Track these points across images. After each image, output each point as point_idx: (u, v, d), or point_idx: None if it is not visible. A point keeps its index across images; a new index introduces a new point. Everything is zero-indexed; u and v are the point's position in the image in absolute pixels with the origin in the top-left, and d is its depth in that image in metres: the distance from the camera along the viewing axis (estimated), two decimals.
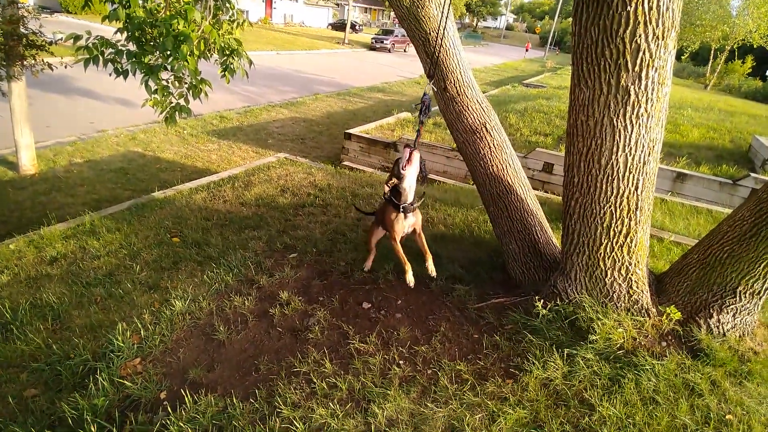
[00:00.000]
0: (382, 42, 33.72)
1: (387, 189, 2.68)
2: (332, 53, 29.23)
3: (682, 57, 30.42)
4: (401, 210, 2.69)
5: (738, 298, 2.60)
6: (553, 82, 20.59)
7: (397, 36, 33.93)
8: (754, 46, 26.10)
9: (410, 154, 2.55)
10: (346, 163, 8.56)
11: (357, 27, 45.55)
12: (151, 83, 3.98)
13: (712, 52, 28.76)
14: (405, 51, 34.18)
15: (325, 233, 4.33)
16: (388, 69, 24.35)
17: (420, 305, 3.14)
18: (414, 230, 2.87)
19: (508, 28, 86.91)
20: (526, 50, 51.82)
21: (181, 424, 2.17)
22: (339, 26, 42.77)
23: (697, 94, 19.96)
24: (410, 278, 2.83)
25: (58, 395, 2.51)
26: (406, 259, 2.82)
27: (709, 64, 29.78)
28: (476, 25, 75.40)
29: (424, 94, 2.75)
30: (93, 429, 2.19)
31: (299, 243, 4.11)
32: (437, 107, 3.44)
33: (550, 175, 7.42)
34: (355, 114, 13.71)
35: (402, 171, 2.57)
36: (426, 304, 3.15)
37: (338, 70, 21.85)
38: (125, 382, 2.50)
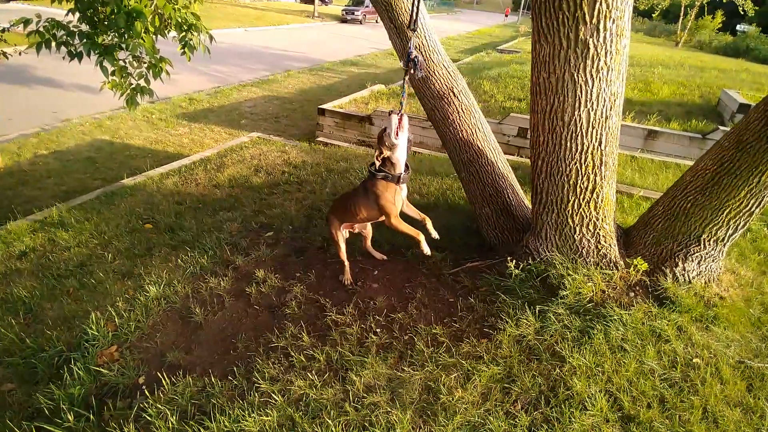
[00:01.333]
0: (353, 13, 32.89)
1: (378, 162, 2.48)
2: (302, 27, 28.44)
3: (653, 15, 30.43)
4: (399, 181, 2.49)
5: (702, 246, 2.67)
6: (527, 47, 20.43)
7: (368, 7, 33.06)
8: (724, 1, 26.20)
9: (400, 119, 2.38)
10: (321, 139, 8.44)
11: None
12: (107, 64, 3.82)
13: (683, 9, 28.79)
14: (377, 22, 33.34)
15: (301, 210, 4.30)
16: (360, 41, 23.85)
17: (396, 274, 3.15)
18: (404, 203, 2.71)
19: None
20: (506, 15, 51.20)
21: (159, 406, 2.18)
22: None
23: (668, 51, 20.05)
24: (426, 248, 2.63)
25: (35, 387, 2.50)
26: (414, 229, 2.63)
27: (680, 21, 29.83)
28: None
29: (410, 51, 2.50)
30: (70, 417, 2.19)
31: (275, 221, 4.08)
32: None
33: (524, 140, 7.43)
34: (328, 89, 13.46)
35: (395, 140, 2.39)
36: (402, 272, 3.17)
37: (309, 45, 21.33)
38: (102, 370, 2.49)
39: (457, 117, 3.25)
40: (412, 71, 2.53)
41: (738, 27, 33.49)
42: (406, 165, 2.54)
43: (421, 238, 2.62)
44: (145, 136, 8.72)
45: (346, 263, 3.03)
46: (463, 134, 3.26)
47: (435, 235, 2.69)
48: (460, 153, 3.31)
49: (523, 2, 48.22)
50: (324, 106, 8.76)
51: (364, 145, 7.81)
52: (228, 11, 28.39)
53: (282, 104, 11.70)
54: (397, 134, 2.39)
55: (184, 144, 8.47)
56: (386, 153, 2.46)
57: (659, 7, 27.96)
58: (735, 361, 2.37)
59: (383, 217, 2.64)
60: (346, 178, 5.06)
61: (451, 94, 3.23)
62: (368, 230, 3.09)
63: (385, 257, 3.31)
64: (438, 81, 3.20)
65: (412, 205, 2.80)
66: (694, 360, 2.35)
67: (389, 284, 3.05)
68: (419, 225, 2.70)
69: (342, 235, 2.95)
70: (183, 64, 4.27)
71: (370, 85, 10.78)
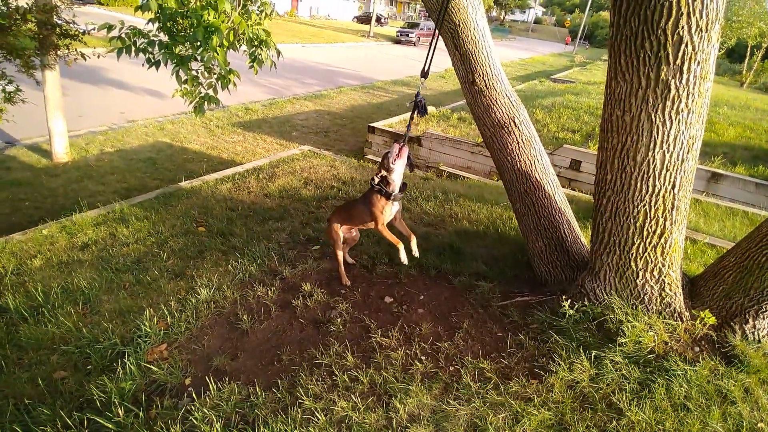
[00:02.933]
0: (408, 35, 33.48)
1: (377, 179, 2.87)
2: (357, 46, 29.18)
3: (718, 53, 29.29)
4: (391, 198, 2.86)
5: None
6: (582, 78, 20.13)
7: (422, 29, 33.65)
8: None
9: (400, 149, 2.78)
10: (369, 156, 8.54)
11: (382, 20, 45.36)
12: (181, 73, 4.03)
13: (749, 49, 27.60)
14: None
15: None
16: (413, 63, 24.18)
17: (442, 301, 3.10)
18: (395, 217, 3.05)
19: (537, 21, 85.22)
20: (566, 43, 50.79)
21: (205, 411, 2.21)
22: (364, 19, 42.61)
23: (732, 91, 19.20)
24: (403, 256, 2.94)
25: (87, 378, 2.58)
26: (396, 238, 2.96)
27: (746, 62, 28.58)
28: (504, 18, 74.07)
29: (417, 94, 2.93)
30: (120, 411, 2.25)
31: (322, 235, 4.12)
32: (465, 102, 3.38)
33: (577, 173, 7.25)
34: (379, 107, 13.67)
35: (392, 164, 2.78)
36: (449, 300, 3.12)
37: (363, 63, 21.82)
38: (152, 366, 2.55)
39: (517, 147, 3.21)
40: (414, 114, 3.00)
41: None
42: (404, 185, 2.93)
43: (401, 247, 2.94)
44: (202, 141, 9.10)
45: (341, 261, 3.30)
46: (521, 165, 3.21)
47: (416, 252, 3.01)
48: (517, 183, 3.26)
49: (580, 32, 47.69)
50: (374, 124, 8.88)
51: (412, 165, 7.84)
52: (288, 27, 29.57)
53: (332, 119, 11.97)
54: (394, 161, 2.77)
55: (238, 152, 8.77)
56: (383, 173, 2.83)
57: (724, 45, 26.91)
58: None
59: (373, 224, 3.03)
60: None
61: (512, 123, 3.20)
62: (354, 236, 3.35)
63: (354, 262, 3.59)
64: (500, 110, 3.18)
65: (405, 225, 3.15)
66: (759, 425, 2.17)
67: (435, 311, 3.00)
68: (404, 240, 3.03)
69: (340, 234, 3.22)
70: (242, 74, 4.44)
71: None
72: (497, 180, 6.48)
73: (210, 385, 2.37)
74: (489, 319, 2.90)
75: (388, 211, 2.92)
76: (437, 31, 2.94)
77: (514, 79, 21.42)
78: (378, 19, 40.74)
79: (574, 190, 6.81)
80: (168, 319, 2.94)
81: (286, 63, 17.53)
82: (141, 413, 2.26)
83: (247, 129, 10.15)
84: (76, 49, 6.53)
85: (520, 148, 3.21)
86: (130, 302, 3.20)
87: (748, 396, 2.32)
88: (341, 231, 3.23)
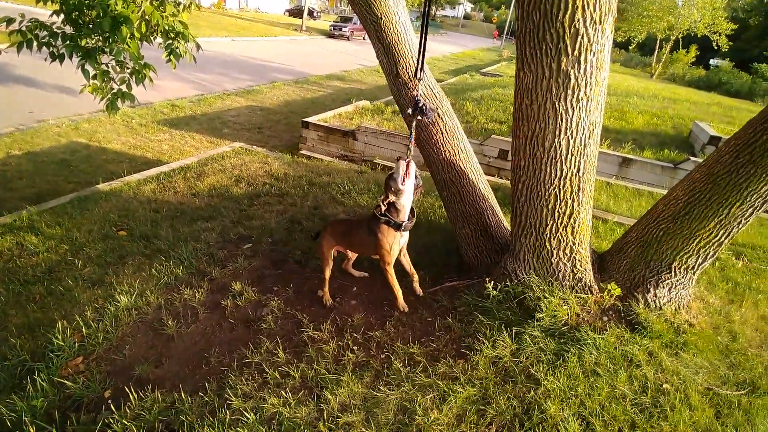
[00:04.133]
0: (341, 29, 33.24)
1: (383, 207, 2.48)
2: (290, 40, 28.58)
3: (630, 47, 31.63)
4: (401, 228, 2.50)
5: (673, 273, 2.74)
6: (509, 71, 20.97)
7: (356, 23, 33.49)
8: (698, 36, 27.40)
9: (407, 166, 2.38)
10: (304, 152, 8.42)
11: (315, 14, 44.72)
12: (89, 68, 3.76)
13: (658, 42, 30.02)
14: (364, 39, 33.81)
15: (281, 222, 4.26)
16: (347, 57, 24.08)
17: (375, 291, 3.14)
18: (400, 250, 2.71)
19: (466, 17, 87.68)
20: (495, 37, 52.59)
21: (125, 422, 2.10)
22: (296, 13, 41.78)
23: (643, 83, 20.83)
24: (404, 304, 2.81)
25: None
26: (398, 285, 2.78)
27: (655, 54, 31.09)
28: (435, 13, 75.51)
29: (417, 100, 2.56)
30: (32, 430, 2.09)
31: (254, 233, 4.03)
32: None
33: (505, 162, 7.58)
34: (313, 102, 13.50)
35: (401, 186, 2.38)
36: (381, 289, 3.16)
37: (296, 58, 21.40)
38: (66, 382, 2.40)
39: (441, 138, 3.30)
40: (419, 118, 2.59)
41: (711, 61, 35.08)
42: (412, 210, 2.53)
43: (399, 296, 2.81)
44: (123, 140, 8.55)
45: (327, 281, 3.00)
46: (446, 155, 3.31)
47: (419, 291, 2.90)
48: (442, 173, 3.35)
49: (507, 28, 49.67)
50: (308, 119, 8.77)
51: (347, 159, 7.84)
52: (215, 20, 28.33)
53: (266, 115, 11.67)
54: (404, 180, 2.38)
55: (164, 151, 8.33)
56: (392, 198, 2.44)
57: (635, 39, 29.09)
58: (703, 388, 2.43)
59: (376, 256, 2.74)
60: (328, 192, 5.05)
61: (436, 115, 3.28)
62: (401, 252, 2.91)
63: (366, 275, 3.31)
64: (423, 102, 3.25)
65: (408, 256, 2.86)
66: (664, 386, 2.40)
67: (367, 301, 3.04)
68: (407, 279, 2.89)
69: (332, 255, 2.95)
70: (167, 70, 4.22)
71: (355, 100, 10.86)
72: (427, 172, 6.64)
73: (131, 395, 2.25)
74: (419, 305, 2.98)
75: (397, 245, 2.59)
76: (424, 28, 2.63)
77: (446, 73, 21.97)
78: (310, 13, 40.10)
79: (503, 178, 7.11)
80: (84, 330, 2.76)
81: (215, 57, 16.92)
82: (54, 431, 2.11)
83: (174, 127, 9.65)
84: None
85: (444, 139, 3.30)
86: (41, 315, 2.97)
87: (652, 359, 2.55)
88: (332, 251, 2.92)
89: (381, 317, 2.85)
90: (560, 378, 2.28)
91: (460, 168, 3.32)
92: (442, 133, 3.29)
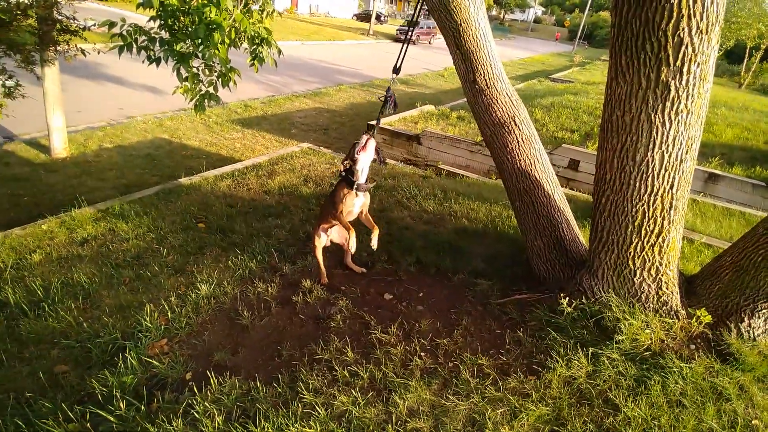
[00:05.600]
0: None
1: (342, 168, 2.93)
2: (357, 44, 29.15)
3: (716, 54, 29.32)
4: (355, 187, 2.90)
5: None
6: (582, 77, 20.17)
7: (422, 28, 33.59)
8: None
9: (366, 141, 2.82)
10: None
11: (382, 18, 45.27)
12: (182, 71, 4.04)
13: (748, 50, 27.65)
14: (430, 43, 33.85)
15: None
16: (412, 61, 24.11)
17: (442, 298, 3.13)
18: (361, 211, 3.09)
19: (536, 20, 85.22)
20: (556, 39, 50.82)
21: (207, 404, 2.22)
22: (364, 17, 42.54)
23: (731, 93, 19.26)
24: (353, 244, 2.98)
25: (88, 372, 2.60)
26: (350, 226, 3.00)
27: (744, 63, 28.63)
28: (503, 17, 74.07)
29: (388, 89, 3.04)
30: (122, 405, 2.26)
31: None
32: (465, 100, 3.39)
33: (575, 172, 7.29)
34: (378, 106, 13.64)
35: (356, 155, 2.84)
36: (448, 297, 3.14)
37: (362, 62, 21.80)
38: (153, 361, 2.57)
39: (517, 146, 3.23)
40: (385, 109, 3.21)
41: None
42: (368, 179, 2.98)
43: (352, 234, 2.97)
44: (201, 137, 9.09)
45: (321, 263, 3.31)
46: (521, 164, 3.23)
47: (374, 245, 2.98)
48: (516, 182, 3.28)
49: (580, 32, 47.74)
50: (373, 122, 8.88)
51: (411, 164, 7.85)
52: (287, 24, 29.49)
53: (332, 117, 11.97)
54: (358, 152, 2.83)
55: (237, 149, 8.77)
56: (348, 162, 2.91)
57: (723, 47, 26.96)
58: None
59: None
60: (393, 196, 5.09)
61: (513, 122, 3.22)
62: (350, 245, 3.07)
63: (364, 270, 3.50)
64: (500, 109, 3.20)
65: (371, 219, 3.15)
66: (753, 422, 2.20)
67: (434, 308, 3.02)
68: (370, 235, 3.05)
69: (320, 236, 3.26)
70: (242, 72, 4.45)
71: (420, 104, 10.87)
72: (496, 179, 6.51)
73: (211, 380, 2.38)
74: (488, 316, 2.93)
75: (350, 201, 2.96)
76: (410, 30, 3.08)
77: (514, 79, 21.44)
78: (377, 17, 40.66)
79: (573, 189, 6.84)
80: (168, 314, 2.96)
81: (285, 60, 17.48)
82: (142, 407, 2.27)
83: (246, 126, 10.14)
84: (75, 45, 6.51)
85: (520, 147, 3.23)
86: (131, 297, 3.21)
87: (742, 393, 2.35)
88: (324, 236, 3.26)
89: (448, 325, 2.83)
90: (642, 406, 2.15)
91: (536, 178, 3.23)
92: (518, 142, 3.23)
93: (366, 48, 28.24)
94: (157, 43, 3.95)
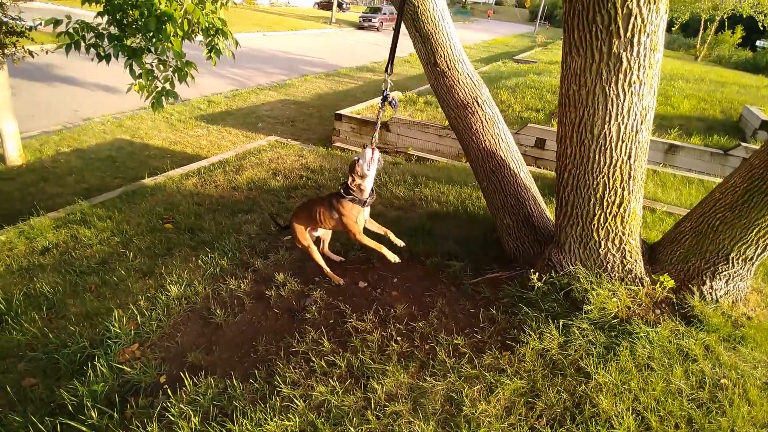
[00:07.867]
0: (370, 20, 33.10)
1: (354, 187, 2.75)
2: (320, 33, 28.72)
3: (673, 29, 30.08)
4: (364, 204, 2.80)
5: (730, 265, 2.62)
6: (544, 57, 20.42)
7: (385, 14, 33.32)
8: (744, 17, 25.82)
9: (372, 153, 2.67)
10: (337, 144, 8.48)
11: (344, 6, 44.64)
12: (135, 67, 3.90)
13: (702, 23, 28.45)
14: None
15: None
16: (377, 48, 23.98)
17: (416, 282, 3.14)
18: (365, 221, 3.01)
19: (498, 2, 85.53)
20: (488, 17, 51.48)
21: (182, 407, 2.19)
22: (326, 5, 41.87)
23: (687, 65, 19.87)
24: (391, 256, 2.89)
25: (57, 383, 2.52)
26: (376, 243, 2.90)
27: (699, 35, 29.50)
28: (465, 0, 74.04)
29: (384, 91, 2.78)
30: (93, 414, 2.21)
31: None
32: (428, 85, 3.38)
33: (542, 151, 7.41)
34: (345, 95, 13.54)
35: (366, 171, 2.68)
36: (422, 280, 3.16)
37: (326, 51, 21.52)
38: (124, 367, 2.51)
39: (481, 127, 3.25)
40: (386, 110, 2.90)
41: (758, 43, 33.01)
42: (372, 190, 2.83)
43: (384, 250, 2.88)
44: (164, 136, 8.83)
45: (321, 262, 3.14)
46: (486, 144, 3.26)
47: (399, 243, 2.95)
48: (482, 162, 3.31)
49: (540, 13, 48.20)
50: (341, 112, 8.81)
51: (381, 151, 7.83)
52: (247, 15, 28.78)
53: (299, 108, 11.80)
54: (368, 167, 2.67)
55: (203, 145, 8.56)
56: (358, 181, 2.72)
57: (679, 20, 27.68)
58: (762, 383, 2.32)
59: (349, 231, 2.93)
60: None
61: (475, 103, 3.23)
62: (327, 234, 3.17)
63: (342, 259, 3.42)
64: (462, 90, 3.20)
65: (375, 222, 3.07)
66: (721, 380, 2.30)
67: (409, 292, 3.04)
68: (383, 239, 2.98)
69: (311, 238, 3.11)
70: (200, 66, 4.33)
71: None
72: (465, 162, 6.56)
73: (186, 381, 2.34)
74: (461, 296, 2.96)
75: (362, 218, 2.87)
76: (397, 25, 2.86)
77: (478, 61, 21.55)
78: (339, 5, 40.06)
79: (540, 167, 6.96)
80: (138, 318, 2.88)
81: (247, 53, 17.17)
82: (116, 414, 2.22)
83: (211, 122, 9.90)
84: (23, 47, 6.20)
85: (484, 128, 3.25)
86: (98, 304, 3.12)
87: (708, 353, 2.45)
88: (307, 233, 3.08)
89: (423, 308, 2.85)
90: (612, 372, 2.22)
91: (501, 157, 3.26)
92: (481, 122, 3.24)
93: (329, 36, 27.86)
94: (106, 39, 3.80)
